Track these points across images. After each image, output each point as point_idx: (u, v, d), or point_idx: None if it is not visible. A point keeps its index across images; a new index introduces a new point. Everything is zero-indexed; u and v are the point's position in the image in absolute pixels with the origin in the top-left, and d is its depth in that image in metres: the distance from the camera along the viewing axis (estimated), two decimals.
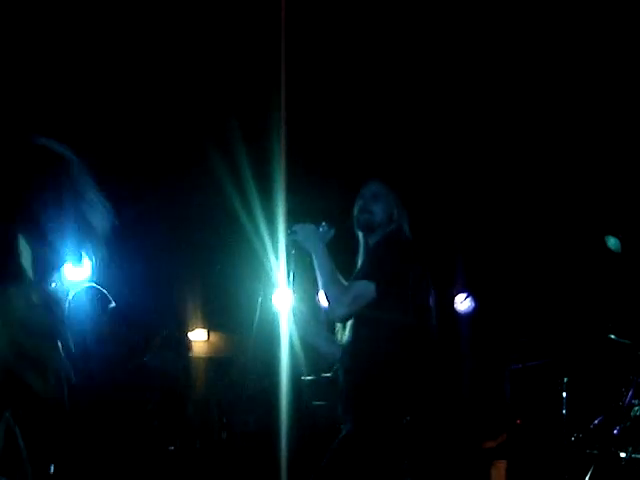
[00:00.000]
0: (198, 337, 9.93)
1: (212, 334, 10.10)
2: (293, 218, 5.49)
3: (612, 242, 6.35)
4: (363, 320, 3.40)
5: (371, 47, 5.26)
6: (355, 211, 3.68)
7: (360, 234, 3.70)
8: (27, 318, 1.64)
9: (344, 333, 3.53)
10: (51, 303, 1.72)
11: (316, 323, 3.78)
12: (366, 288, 3.35)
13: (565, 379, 5.07)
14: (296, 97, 5.20)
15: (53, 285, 1.86)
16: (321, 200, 4.61)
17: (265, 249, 5.70)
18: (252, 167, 5.88)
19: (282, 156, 5.43)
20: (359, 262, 3.66)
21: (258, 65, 5.06)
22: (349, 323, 3.48)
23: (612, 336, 4.82)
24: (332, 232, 3.61)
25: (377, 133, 6.05)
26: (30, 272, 1.69)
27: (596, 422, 4.89)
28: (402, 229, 3.63)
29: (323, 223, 3.62)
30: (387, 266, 3.41)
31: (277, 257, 3.72)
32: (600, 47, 4.96)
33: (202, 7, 4.85)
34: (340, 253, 3.64)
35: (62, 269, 1.93)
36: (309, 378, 6.46)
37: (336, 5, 4.89)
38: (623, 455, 4.57)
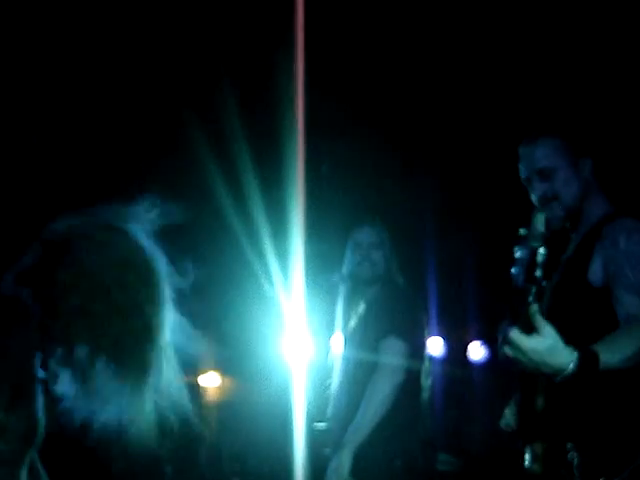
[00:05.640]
0: (211, 382, 9.92)
1: (225, 379, 10.07)
2: (309, 266, 5.54)
3: None
4: (368, 367, 3.40)
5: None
6: (351, 261, 3.62)
7: (347, 286, 3.64)
8: None
9: (343, 378, 3.55)
10: None
11: None
12: (397, 345, 3.37)
13: None
14: (312, 140, 5.22)
15: None
16: (337, 247, 4.63)
17: (279, 296, 5.74)
18: (267, 213, 5.92)
19: (298, 203, 5.47)
20: (348, 313, 3.62)
21: (275, 113, 5.09)
22: (350, 368, 3.50)
23: None
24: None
25: (385, 173, 6.05)
26: None
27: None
28: (398, 278, 3.64)
29: (337, 274, 3.67)
30: (406, 317, 3.44)
31: (291, 304, 3.75)
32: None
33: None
34: None
35: None
36: (321, 425, 6.41)
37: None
38: None
